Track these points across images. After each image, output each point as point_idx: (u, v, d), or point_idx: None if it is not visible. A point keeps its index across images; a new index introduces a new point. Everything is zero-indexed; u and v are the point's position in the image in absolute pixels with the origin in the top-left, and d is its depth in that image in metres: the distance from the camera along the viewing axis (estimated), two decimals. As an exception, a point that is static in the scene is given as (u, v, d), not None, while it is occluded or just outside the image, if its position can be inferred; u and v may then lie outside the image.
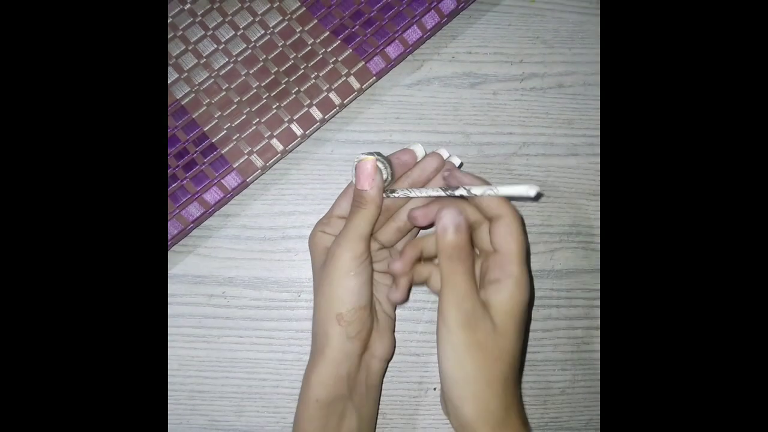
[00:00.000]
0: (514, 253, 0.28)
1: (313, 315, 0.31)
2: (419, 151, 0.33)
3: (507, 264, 0.28)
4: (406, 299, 0.32)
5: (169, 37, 0.38)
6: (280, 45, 0.37)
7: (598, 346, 0.37)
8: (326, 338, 0.29)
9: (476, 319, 0.27)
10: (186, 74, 0.37)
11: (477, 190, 0.29)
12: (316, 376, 0.29)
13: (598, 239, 0.38)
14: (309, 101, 0.36)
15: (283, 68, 0.37)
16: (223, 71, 0.37)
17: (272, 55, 0.37)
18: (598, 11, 0.39)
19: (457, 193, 0.29)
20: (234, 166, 0.35)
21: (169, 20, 0.38)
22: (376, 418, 0.34)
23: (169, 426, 0.36)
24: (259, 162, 0.35)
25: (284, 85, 0.36)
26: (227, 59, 0.37)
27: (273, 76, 0.37)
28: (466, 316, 0.27)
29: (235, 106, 0.36)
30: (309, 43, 0.37)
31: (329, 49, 0.37)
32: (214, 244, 0.37)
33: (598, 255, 0.38)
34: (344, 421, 0.30)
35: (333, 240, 0.31)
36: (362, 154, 0.30)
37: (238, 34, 0.38)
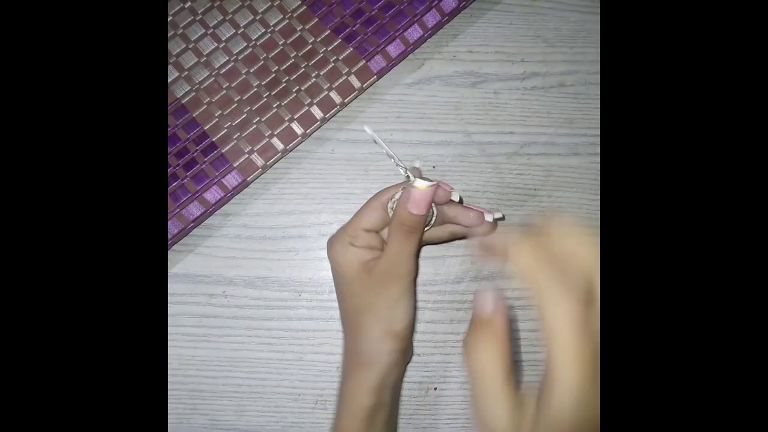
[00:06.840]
0: None
1: (358, 332, 0.31)
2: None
3: None
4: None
5: (169, 35, 0.37)
6: (280, 43, 0.37)
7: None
8: (378, 354, 0.30)
9: None
10: (186, 73, 0.37)
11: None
12: (365, 386, 0.30)
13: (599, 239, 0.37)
14: (309, 100, 0.36)
15: (284, 67, 0.37)
16: (224, 70, 0.37)
17: (273, 53, 0.37)
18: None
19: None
20: (234, 165, 0.35)
21: (170, 18, 0.38)
22: None
23: (170, 425, 0.35)
24: (259, 161, 0.35)
25: (285, 84, 0.36)
26: (227, 58, 0.37)
27: (273, 75, 0.37)
28: None
29: (236, 104, 0.36)
30: (310, 41, 0.37)
31: (330, 48, 0.37)
32: (215, 244, 0.37)
33: (599, 255, 0.37)
34: (385, 426, 0.32)
35: (358, 253, 0.31)
36: (415, 176, 0.30)
37: (239, 32, 0.37)
